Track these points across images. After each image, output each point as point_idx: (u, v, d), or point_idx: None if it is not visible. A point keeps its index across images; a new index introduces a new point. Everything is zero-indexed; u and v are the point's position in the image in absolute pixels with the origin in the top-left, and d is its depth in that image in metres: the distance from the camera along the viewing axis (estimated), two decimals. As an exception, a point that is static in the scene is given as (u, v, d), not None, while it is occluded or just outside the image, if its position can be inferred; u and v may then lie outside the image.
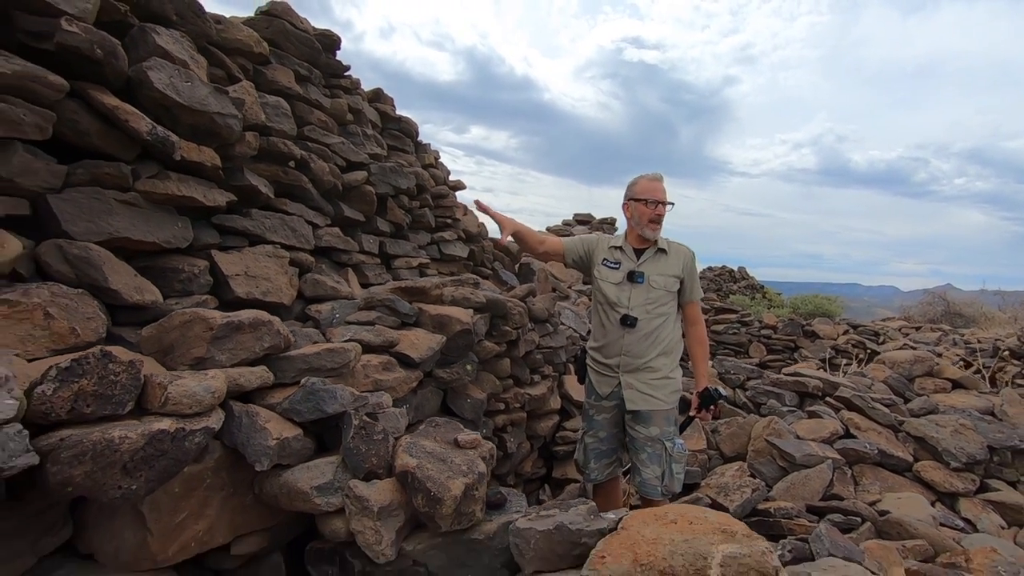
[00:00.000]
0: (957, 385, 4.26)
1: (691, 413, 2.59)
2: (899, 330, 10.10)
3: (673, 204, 2.59)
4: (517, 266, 5.30)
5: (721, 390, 2.54)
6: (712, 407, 2.54)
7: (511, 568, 1.42)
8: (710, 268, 16.29)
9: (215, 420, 1.29)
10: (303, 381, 1.48)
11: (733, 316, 9.15)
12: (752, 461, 3.36)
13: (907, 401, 4.12)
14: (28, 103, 1.52)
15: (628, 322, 2.58)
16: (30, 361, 1.39)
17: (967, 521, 2.95)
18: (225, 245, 2.29)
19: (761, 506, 2.95)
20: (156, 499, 1.28)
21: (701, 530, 1.20)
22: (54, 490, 1.08)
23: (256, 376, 1.44)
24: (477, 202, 2.60)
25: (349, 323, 2.35)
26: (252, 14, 2.74)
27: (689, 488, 3.28)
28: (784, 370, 4.37)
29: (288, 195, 2.67)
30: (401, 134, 4.01)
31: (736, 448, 3.65)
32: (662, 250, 2.59)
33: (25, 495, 1.20)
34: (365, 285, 3.22)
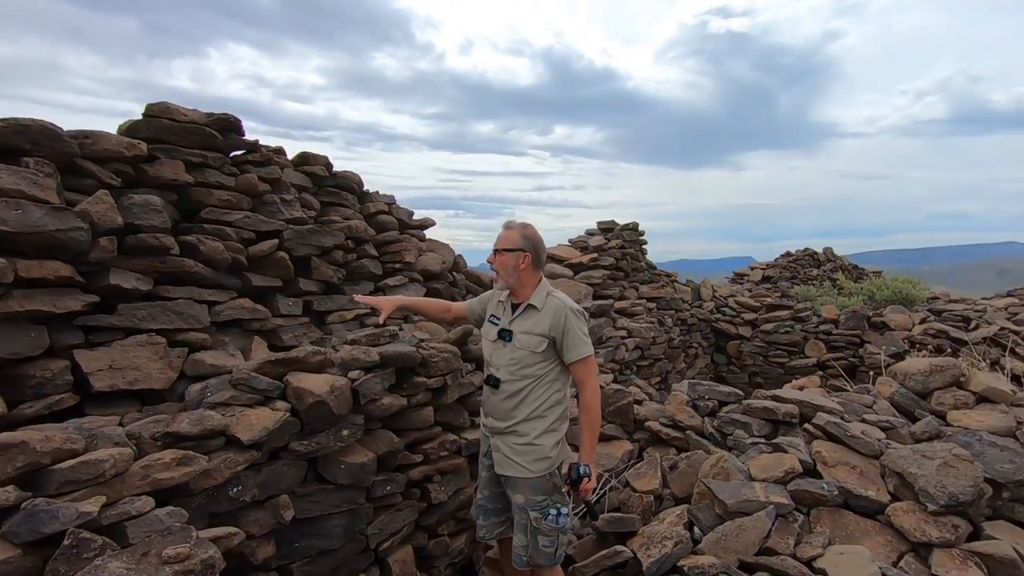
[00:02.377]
0: (983, 399, 3.59)
1: (564, 489, 2.45)
2: (1005, 308, 8.70)
3: (523, 250, 2.47)
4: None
5: (588, 468, 2.37)
6: (579, 486, 2.38)
7: None
8: (787, 254, 14.93)
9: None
10: (24, 504, 1.60)
11: (785, 313, 8.36)
12: (694, 506, 3.08)
13: (915, 422, 3.54)
14: None
15: (491, 382, 2.51)
16: None
17: (935, 581, 2.48)
18: (96, 341, 2.53)
19: (683, 562, 2.71)
20: None
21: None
22: None
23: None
24: (354, 297, 2.76)
25: (209, 404, 2.49)
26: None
27: (624, 536, 3.07)
28: (757, 393, 3.93)
29: (173, 281, 2.88)
30: (338, 189, 4.16)
31: (685, 488, 3.35)
32: (532, 306, 2.48)
33: None
34: (282, 348, 3.37)
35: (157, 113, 3.00)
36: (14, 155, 2.41)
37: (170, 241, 2.77)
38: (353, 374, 2.91)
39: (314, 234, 3.63)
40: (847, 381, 4.79)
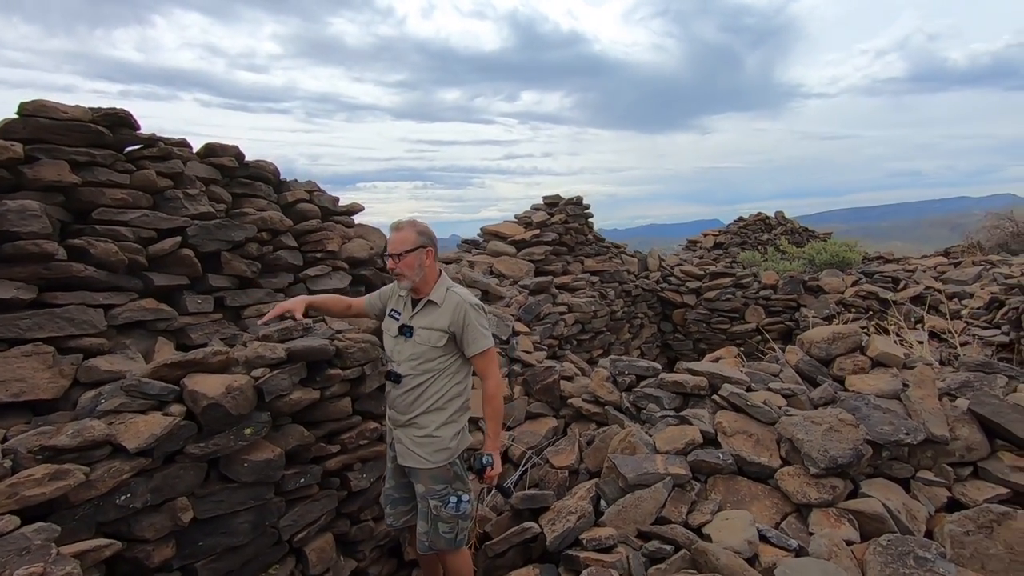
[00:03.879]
0: (879, 364, 3.80)
1: (470, 477, 2.55)
2: (934, 268, 9.11)
3: (423, 246, 2.51)
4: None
5: (490, 457, 2.50)
6: (483, 474, 2.51)
7: None
8: (740, 219, 15.24)
9: None
10: None
11: (727, 280, 8.59)
12: (602, 480, 3.22)
13: (817, 387, 3.73)
14: None
15: (392, 377, 2.57)
16: None
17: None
18: (-24, 355, 2.47)
19: (584, 535, 2.84)
20: None
21: None
22: None
23: None
24: (260, 322, 2.76)
25: (100, 412, 2.47)
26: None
27: (538, 512, 3.20)
28: (680, 367, 4.08)
29: (63, 287, 2.81)
30: (252, 180, 4.07)
31: (599, 463, 3.50)
32: (432, 302, 2.53)
33: None
34: (193, 347, 3.34)
35: (32, 112, 2.87)
36: None
37: (53, 247, 2.70)
38: (257, 372, 2.92)
39: (222, 229, 3.56)
40: (777, 349, 5.00)
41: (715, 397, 3.62)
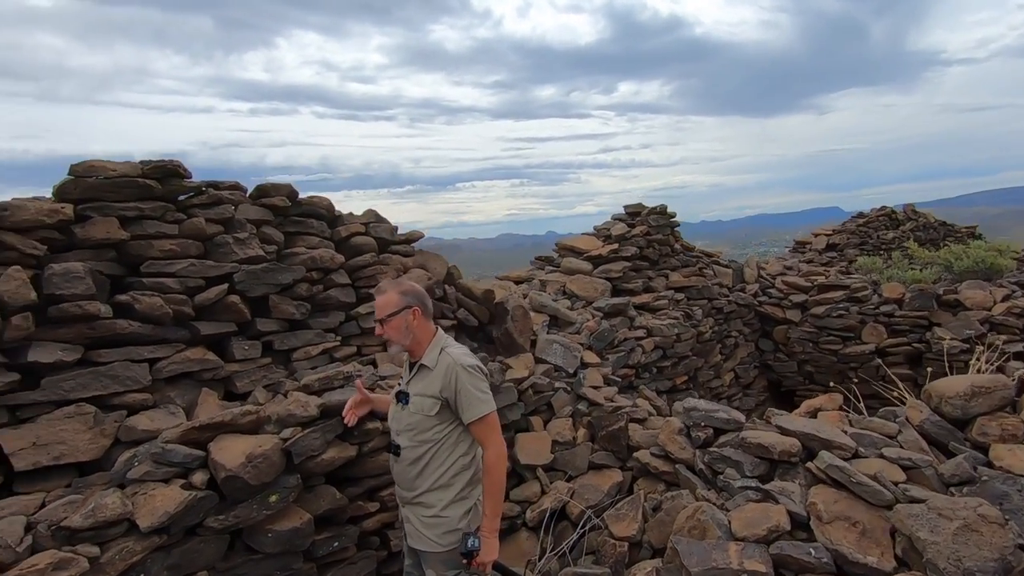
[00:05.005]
0: (1037, 429, 2.95)
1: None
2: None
3: (408, 307, 2.26)
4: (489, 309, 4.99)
5: (476, 541, 2.15)
6: (469, 559, 2.16)
7: None
8: (859, 215, 13.48)
9: None
10: None
11: (839, 294, 7.52)
12: (664, 566, 2.76)
13: (950, 459, 2.99)
14: None
15: (392, 449, 2.35)
16: None
17: None
18: (24, 417, 2.55)
19: (638, 639, 2.42)
20: None
21: None
22: None
23: None
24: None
25: (127, 480, 2.46)
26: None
27: (590, 594, 2.82)
28: (770, 415, 3.46)
29: (109, 344, 2.86)
30: (304, 217, 4.02)
31: (663, 539, 3.04)
32: (425, 366, 2.29)
33: None
34: (240, 395, 3.33)
35: (82, 172, 2.95)
36: (-75, 240, 2.43)
37: (95, 307, 2.74)
38: (287, 432, 2.80)
39: (269, 272, 3.52)
40: (902, 388, 4.16)
41: (810, 465, 3.01)
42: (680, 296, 6.99)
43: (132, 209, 3.08)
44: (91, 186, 2.96)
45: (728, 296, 7.65)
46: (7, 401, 2.52)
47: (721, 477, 3.19)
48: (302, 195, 4.11)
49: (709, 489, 3.21)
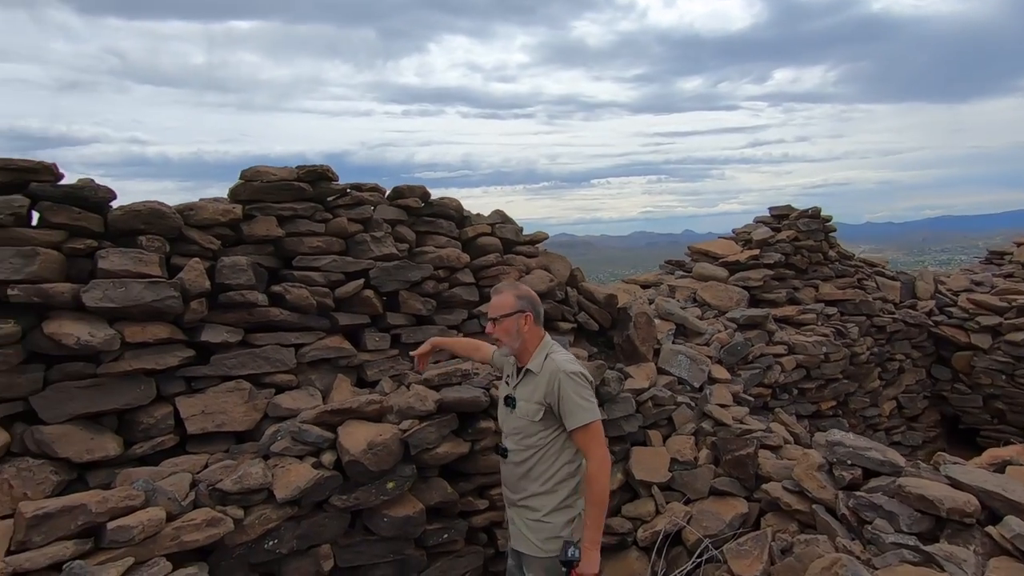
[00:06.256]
0: None
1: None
2: None
3: (522, 311, 2.27)
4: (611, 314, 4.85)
5: (576, 552, 2.09)
6: (569, 569, 2.10)
7: None
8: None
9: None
10: (65, 565, 1.94)
11: (1047, 318, 6.18)
12: (790, 618, 2.47)
13: None
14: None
15: (500, 451, 2.39)
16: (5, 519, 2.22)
17: None
18: (197, 388, 2.98)
19: None
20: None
21: None
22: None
23: (52, 554, 1.96)
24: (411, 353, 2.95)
25: (270, 452, 2.76)
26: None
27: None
28: (940, 460, 2.91)
29: (264, 329, 3.23)
30: (435, 218, 4.22)
31: (791, 588, 2.70)
32: (531, 371, 2.30)
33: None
34: (369, 383, 3.58)
35: (250, 177, 3.36)
36: (132, 235, 2.92)
37: (254, 296, 3.11)
38: (405, 424, 2.95)
39: (401, 269, 3.74)
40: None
41: (992, 531, 2.49)
42: (832, 310, 6.22)
43: (288, 209, 3.44)
44: (256, 189, 3.37)
45: (893, 313, 6.66)
46: (184, 373, 2.95)
47: (869, 528, 2.77)
48: (435, 196, 4.32)
49: (852, 539, 2.80)
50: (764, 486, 3.37)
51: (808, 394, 5.47)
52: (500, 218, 4.73)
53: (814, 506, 3.08)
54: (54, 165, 2.74)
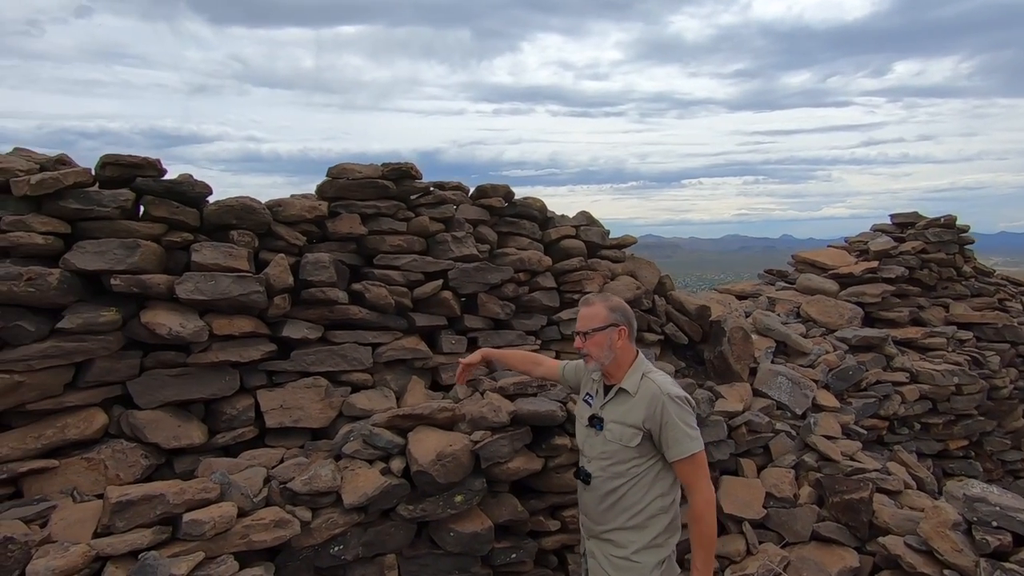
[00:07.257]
0: None
1: None
2: None
3: (615, 324, 2.06)
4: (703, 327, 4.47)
5: None
6: None
7: None
8: None
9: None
10: (140, 556, 1.96)
11: None
12: None
13: None
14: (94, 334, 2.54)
15: (581, 476, 2.19)
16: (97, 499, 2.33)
17: None
18: (278, 382, 3.02)
19: None
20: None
21: None
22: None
23: (131, 541, 2.01)
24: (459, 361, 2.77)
25: (343, 454, 2.73)
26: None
27: None
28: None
29: (343, 327, 3.23)
30: (518, 218, 4.07)
31: (915, 669, 2.28)
32: (625, 391, 2.08)
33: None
34: (444, 386, 3.49)
35: (336, 174, 3.37)
36: (225, 229, 3.01)
37: (335, 294, 3.11)
38: (477, 435, 2.83)
39: (480, 272, 3.63)
40: None
41: None
42: (966, 335, 5.41)
43: (371, 207, 3.42)
44: (341, 186, 3.38)
45: (1045, 341, 5.69)
46: (266, 367, 3.00)
47: (1021, 609, 2.29)
48: (521, 194, 4.18)
49: (998, 619, 2.33)
50: (881, 539, 2.92)
51: (933, 430, 4.77)
52: (585, 220, 4.50)
53: (946, 571, 2.61)
54: (158, 161, 2.87)
